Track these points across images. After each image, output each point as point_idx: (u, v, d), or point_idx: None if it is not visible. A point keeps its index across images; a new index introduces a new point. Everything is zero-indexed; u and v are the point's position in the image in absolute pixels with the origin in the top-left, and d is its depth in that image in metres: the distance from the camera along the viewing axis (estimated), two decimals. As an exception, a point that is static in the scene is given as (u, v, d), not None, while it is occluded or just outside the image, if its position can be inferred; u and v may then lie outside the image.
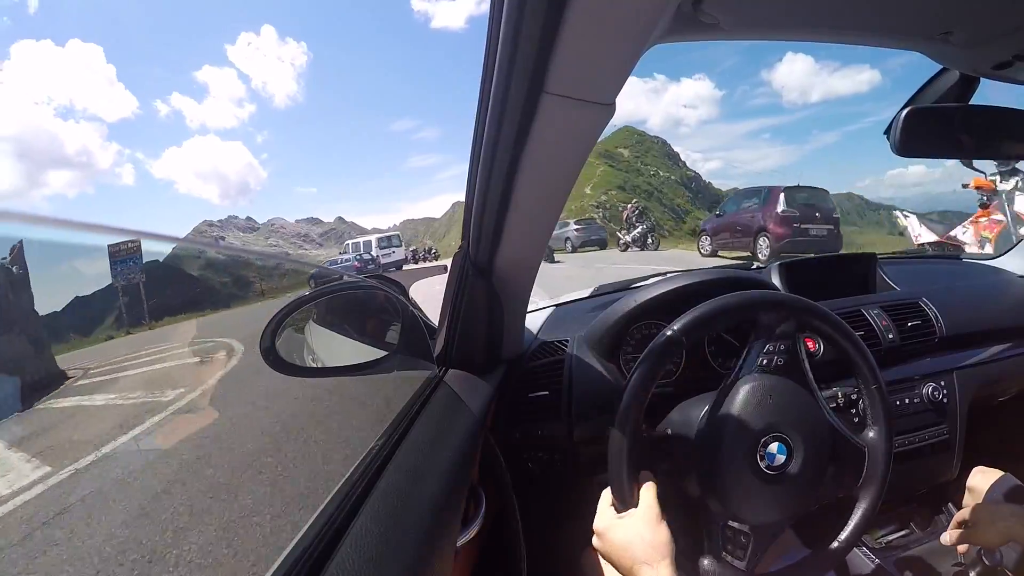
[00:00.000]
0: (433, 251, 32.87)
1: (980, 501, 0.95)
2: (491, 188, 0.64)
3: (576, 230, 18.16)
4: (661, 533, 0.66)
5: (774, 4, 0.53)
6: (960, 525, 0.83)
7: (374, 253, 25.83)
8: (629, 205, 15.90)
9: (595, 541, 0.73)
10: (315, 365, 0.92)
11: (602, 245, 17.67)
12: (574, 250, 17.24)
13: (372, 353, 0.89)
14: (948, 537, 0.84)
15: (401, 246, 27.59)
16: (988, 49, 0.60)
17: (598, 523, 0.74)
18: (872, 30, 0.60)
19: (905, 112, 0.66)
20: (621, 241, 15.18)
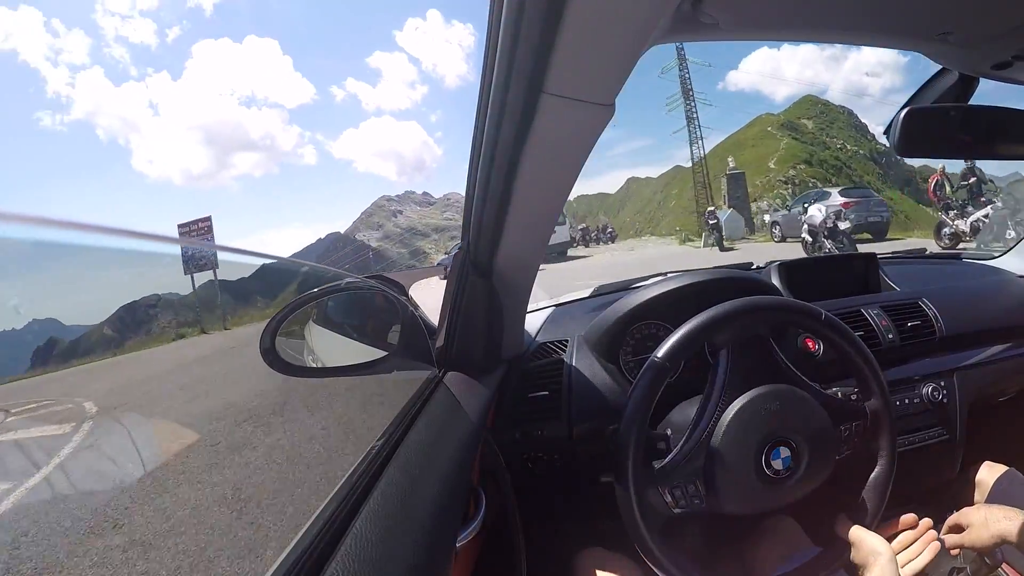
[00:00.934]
0: (608, 229, 20.71)
1: (987, 495, 0.95)
2: (491, 188, 0.64)
3: (844, 205, 10.38)
4: None
5: (773, 4, 0.53)
6: (953, 528, 0.83)
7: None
8: (940, 167, 9.05)
9: None
10: (315, 365, 0.92)
11: (880, 232, 11.18)
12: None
13: (372, 353, 0.89)
14: (944, 541, 0.84)
15: (565, 223, 16.78)
16: (987, 49, 0.60)
17: None
18: (872, 30, 0.60)
19: (904, 112, 0.66)
20: (946, 230, 8.25)
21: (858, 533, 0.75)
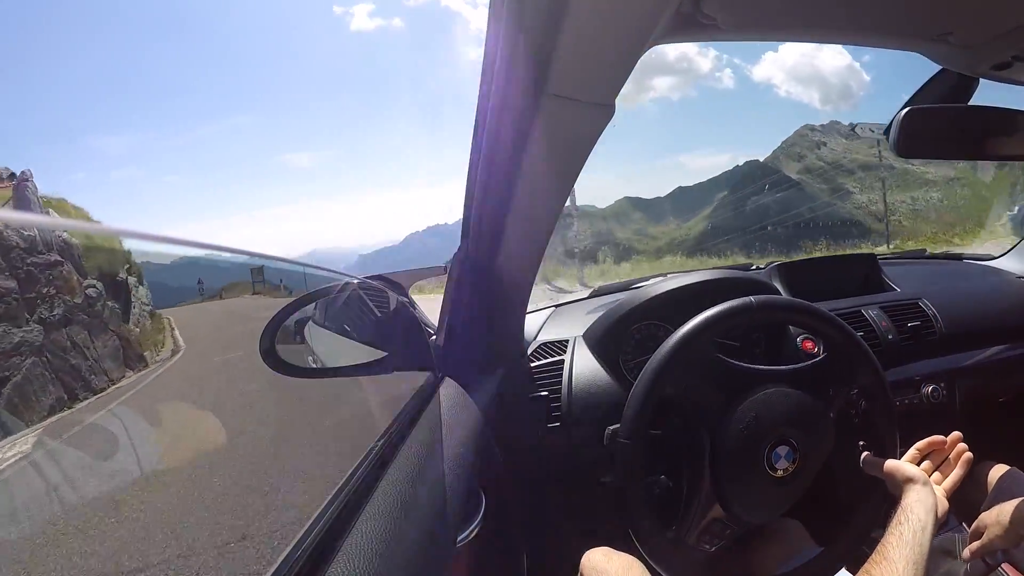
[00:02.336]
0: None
1: (990, 495, 0.96)
2: (491, 188, 0.64)
3: None
4: None
5: (773, 5, 0.53)
6: (974, 536, 0.83)
7: None
8: None
9: None
10: (315, 366, 0.92)
11: None
12: None
13: (372, 354, 0.88)
14: (967, 552, 0.84)
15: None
16: (987, 50, 0.60)
17: None
18: (872, 31, 0.60)
19: (904, 112, 0.66)
20: None
21: (890, 464, 0.74)
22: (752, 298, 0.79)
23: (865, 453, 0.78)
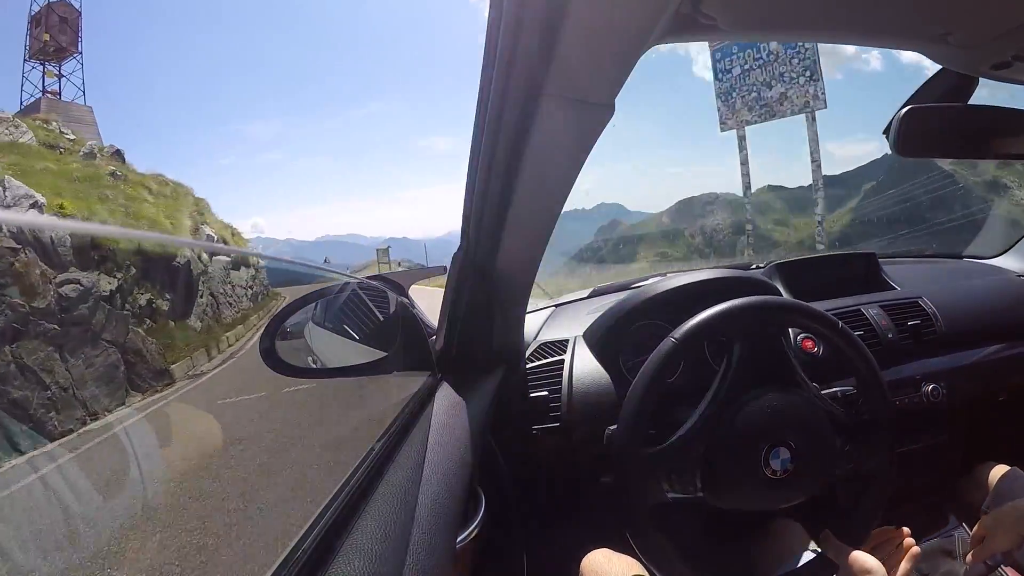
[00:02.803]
0: None
1: (991, 496, 0.96)
2: (491, 188, 0.64)
3: None
4: None
5: (773, 5, 0.53)
6: (977, 540, 0.83)
7: None
8: None
9: None
10: (314, 366, 0.92)
11: None
12: None
13: (372, 354, 0.89)
14: (971, 557, 0.84)
15: None
16: (987, 50, 0.60)
17: None
18: (871, 31, 0.60)
19: (904, 112, 0.66)
20: None
21: (852, 556, 0.75)
22: (840, 323, 0.83)
23: (825, 531, 0.78)
